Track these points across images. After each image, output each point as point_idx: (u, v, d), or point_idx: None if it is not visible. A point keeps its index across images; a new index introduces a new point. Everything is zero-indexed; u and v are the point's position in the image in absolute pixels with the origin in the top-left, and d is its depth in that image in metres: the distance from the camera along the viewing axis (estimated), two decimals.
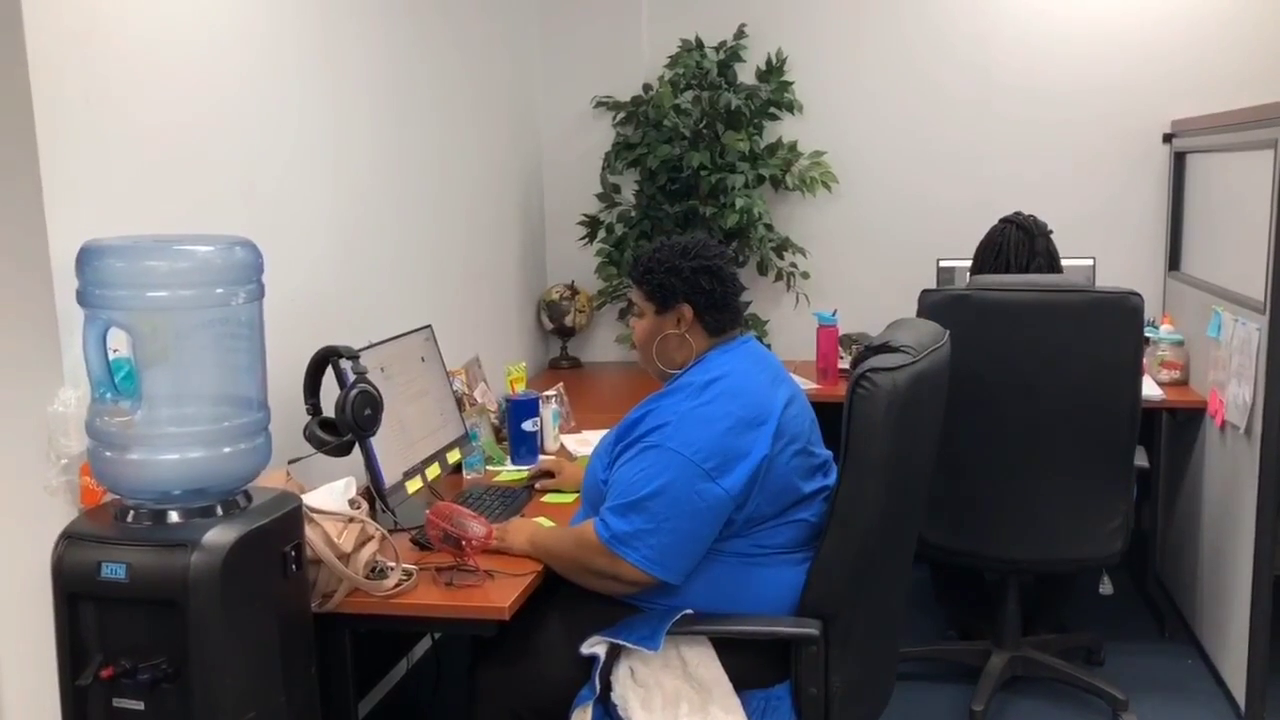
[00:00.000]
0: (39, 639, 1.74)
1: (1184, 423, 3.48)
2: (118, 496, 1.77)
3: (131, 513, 1.73)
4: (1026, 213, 3.16)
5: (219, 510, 1.74)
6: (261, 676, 1.74)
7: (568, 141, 4.31)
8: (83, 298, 1.70)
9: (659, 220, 4.01)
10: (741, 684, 2.03)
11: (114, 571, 1.65)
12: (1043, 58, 4.01)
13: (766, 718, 2.02)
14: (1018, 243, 3.06)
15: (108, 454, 1.71)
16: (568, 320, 4.17)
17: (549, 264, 4.40)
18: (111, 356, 1.72)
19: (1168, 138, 3.95)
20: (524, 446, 2.88)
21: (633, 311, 2.29)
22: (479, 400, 3.06)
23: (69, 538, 1.70)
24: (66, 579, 1.68)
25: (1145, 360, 2.97)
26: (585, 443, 3.04)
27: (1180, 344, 3.53)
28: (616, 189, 4.23)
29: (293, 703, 1.80)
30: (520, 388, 3.17)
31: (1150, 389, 3.27)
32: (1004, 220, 3.15)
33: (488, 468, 2.87)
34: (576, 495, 2.56)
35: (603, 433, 2.38)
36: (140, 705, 1.67)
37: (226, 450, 1.74)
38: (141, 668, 1.65)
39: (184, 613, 1.63)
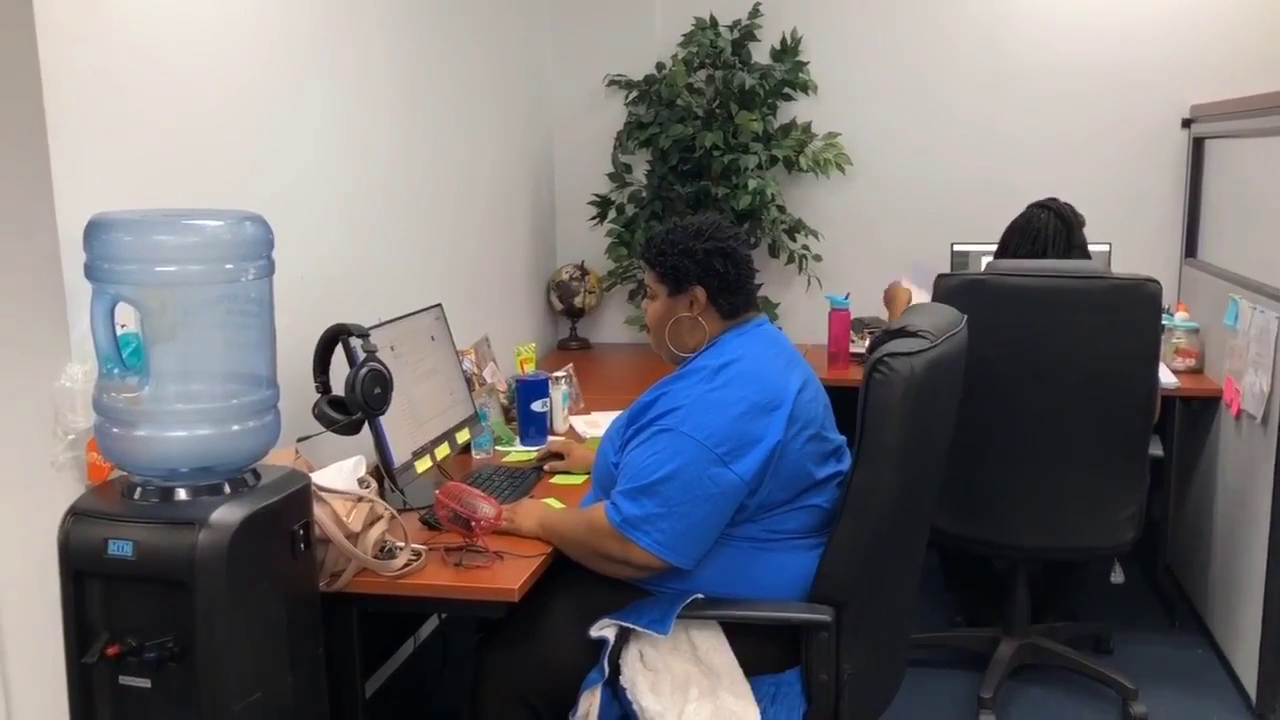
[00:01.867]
0: (45, 616, 1.73)
1: (1198, 411, 3.45)
2: (125, 473, 1.75)
3: (139, 490, 1.71)
4: (1063, 200, 3.09)
5: (227, 488, 1.72)
6: (268, 656, 1.73)
7: (579, 120, 4.28)
8: (90, 272, 1.67)
9: (670, 201, 3.98)
10: (751, 669, 2.01)
11: (121, 549, 1.64)
12: (1060, 41, 3.97)
13: (776, 703, 2.00)
14: (1056, 231, 3.00)
15: (115, 430, 1.69)
16: (577, 301, 4.15)
17: (559, 244, 4.37)
18: (119, 332, 1.70)
19: (1186, 123, 3.90)
20: (533, 427, 2.87)
21: (645, 293, 2.27)
22: (488, 380, 3.04)
23: (76, 514, 1.68)
24: (73, 556, 1.66)
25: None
26: (594, 424, 3.02)
27: (1196, 332, 3.50)
28: (628, 169, 4.19)
29: (299, 682, 1.79)
30: (530, 368, 3.15)
31: (1165, 377, 3.24)
32: (1040, 206, 3.07)
33: (496, 448, 2.85)
34: (586, 477, 2.54)
35: (612, 414, 2.36)
36: (146, 683, 1.66)
37: (235, 428, 1.72)
38: (148, 646, 1.63)
39: (191, 591, 1.61)
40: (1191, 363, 3.47)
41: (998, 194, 3.69)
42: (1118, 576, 3.67)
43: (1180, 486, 3.63)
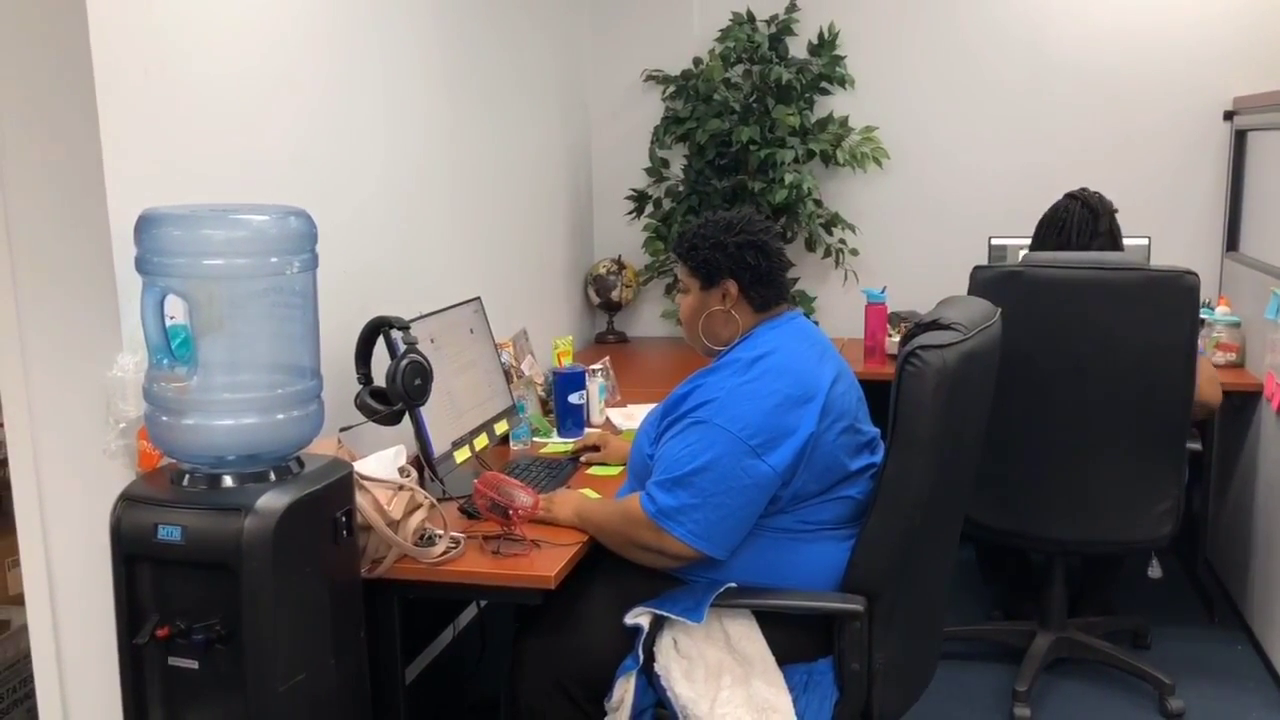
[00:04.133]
0: (98, 598, 1.79)
1: (1239, 406, 3.42)
2: (174, 460, 1.80)
3: (187, 476, 1.76)
4: (1092, 189, 3.09)
5: (272, 476, 1.77)
6: (312, 640, 1.77)
7: (617, 115, 4.31)
8: (141, 265, 1.73)
9: (707, 195, 4.00)
10: (784, 658, 2.03)
11: (170, 534, 1.69)
12: (1100, 32, 3.94)
13: (809, 692, 2.02)
14: (1081, 220, 3.00)
15: (164, 419, 1.74)
16: (614, 295, 4.18)
17: (596, 238, 4.40)
18: (169, 323, 1.75)
19: (1229, 115, 3.86)
20: (570, 419, 2.90)
21: (678, 288, 2.29)
22: (526, 373, 3.08)
23: (127, 500, 1.74)
24: (124, 540, 1.71)
25: (1200, 342, 2.92)
26: (631, 417, 3.05)
27: (1237, 326, 3.47)
28: (665, 163, 4.22)
29: (341, 666, 1.83)
30: (567, 361, 3.19)
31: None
32: (1069, 196, 3.07)
33: (534, 439, 2.89)
34: (621, 468, 2.57)
35: (648, 407, 2.38)
36: (195, 664, 1.71)
37: (280, 417, 1.77)
38: (196, 628, 1.68)
39: (237, 575, 1.66)
40: (1232, 357, 3.44)
41: (1036, 187, 3.66)
42: (1155, 571, 3.64)
43: (1220, 481, 3.60)
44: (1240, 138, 3.81)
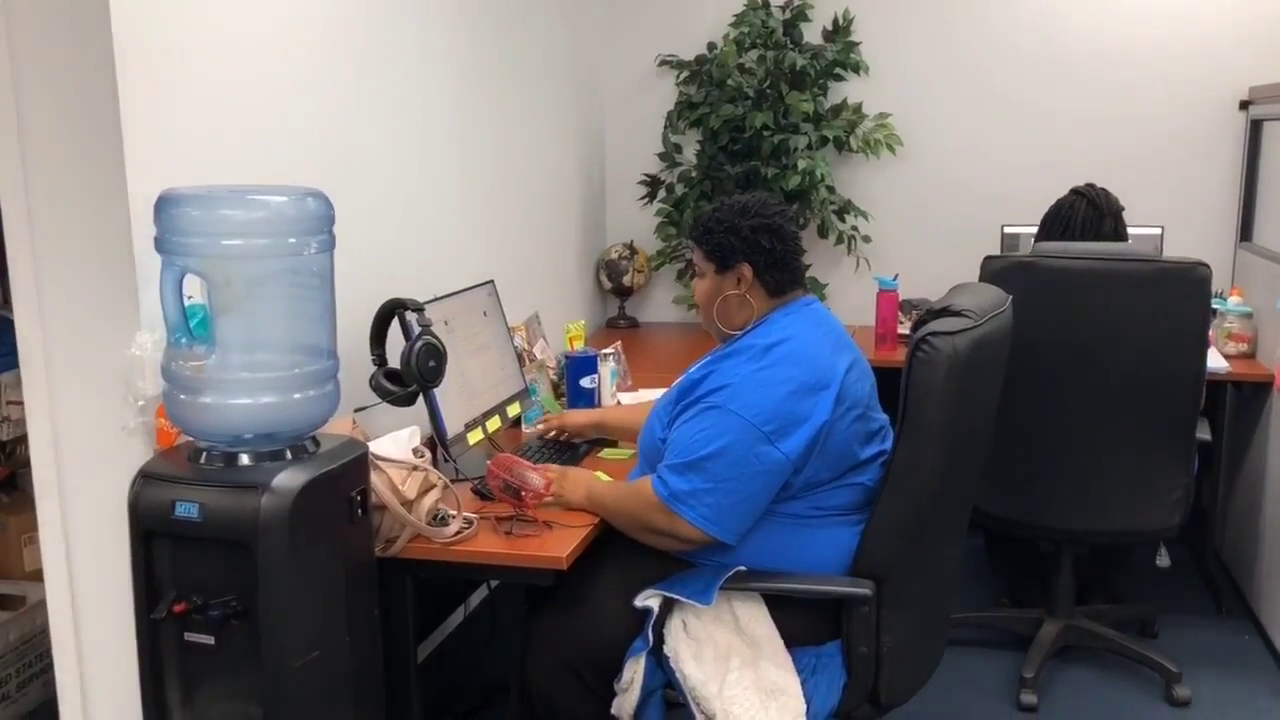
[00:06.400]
0: (116, 574, 1.82)
1: (1250, 397, 3.42)
2: (191, 438, 1.82)
3: (204, 454, 1.78)
4: (1099, 185, 3.08)
5: (288, 454, 1.78)
6: (326, 617, 1.79)
7: (630, 100, 4.31)
8: (160, 245, 1.74)
9: (720, 181, 4.00)
10: (793, 641, 2.05)
11: (187, 510, 1.70)
12: (1115, 21, 3.92)
13: (817, 675, 2.04)
14: (1085, 219, 2.99)
15: (182, 397, 1.76)
16: (626, 280, 4.19)
17: (609, 223, 4.41)
18: (187, 303, 1.77)
19: (1244, 104, 3.85)
20: (581, 402, 2.91)
21: (694, 271, 2.30)
22: (538, 356, 3.09)
23: (145, 477, 1.76)
24: (143, 517, 1.74)
25: (1212, 332, 2.92)
26: (641, 401, 3.06)
27: (1249, 316, 3.46)
28: (678, 149, 4.22)
29: (355, 644, 1.85)
30: (579, 345, 3.20)
31: (1216, 361, 3.22)
32: (1075, 192, 3.07)
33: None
34: (633, 452, 2.58)
35: (659, 392, 2.39)
36: (211, 640, 1.73)
37: (296, 396, 1.79)
38: (212, 604, 1.70)
39: (253, 552, 1.68)
40: (1244, 347, 3.44)
41: (1049, 176, 3.66)
42: (1163, 560, 3.64)
43: (1230, 472, 3.60)
44: (1255, 127, 3.79)
